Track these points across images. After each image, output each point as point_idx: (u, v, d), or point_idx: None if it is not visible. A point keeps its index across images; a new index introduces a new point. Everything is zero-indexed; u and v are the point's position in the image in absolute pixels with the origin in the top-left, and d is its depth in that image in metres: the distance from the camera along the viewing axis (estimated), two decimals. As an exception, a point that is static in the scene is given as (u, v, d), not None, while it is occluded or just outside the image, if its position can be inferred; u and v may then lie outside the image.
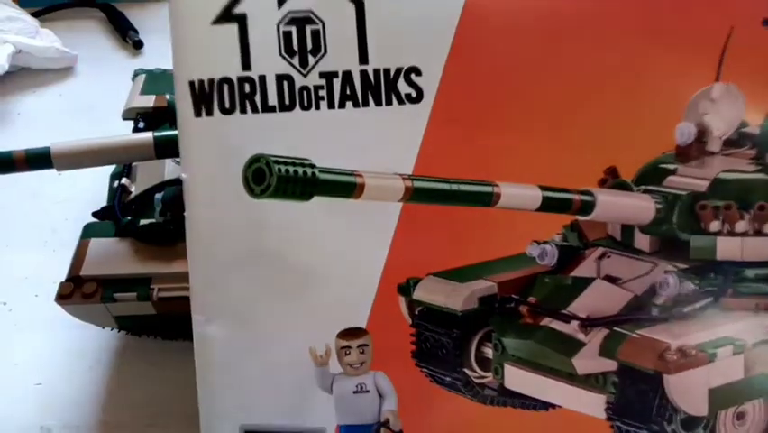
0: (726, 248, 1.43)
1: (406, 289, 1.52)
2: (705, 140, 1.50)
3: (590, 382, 1.40)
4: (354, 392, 1.47)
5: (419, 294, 1.52)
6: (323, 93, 1.39)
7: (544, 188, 1.43)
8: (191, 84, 1.37)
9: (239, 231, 1.48)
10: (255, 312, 1.50)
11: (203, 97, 1.37)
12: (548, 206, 1.43)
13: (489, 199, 1.41)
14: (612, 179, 1.49)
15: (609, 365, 1.38)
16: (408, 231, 1.49)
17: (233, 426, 1.52)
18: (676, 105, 1.46)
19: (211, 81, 1.36)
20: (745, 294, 1.41)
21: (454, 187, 1.42)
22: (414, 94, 1.44)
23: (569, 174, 1.46)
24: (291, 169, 1.33)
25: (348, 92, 1.38)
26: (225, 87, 1.35)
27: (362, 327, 1.49)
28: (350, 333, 1.48)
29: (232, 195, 1.42)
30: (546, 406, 1.48)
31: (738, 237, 1.43)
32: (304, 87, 1.38)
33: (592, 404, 1.41)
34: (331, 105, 1.39)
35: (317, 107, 1.39)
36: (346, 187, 1.37)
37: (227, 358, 1.50)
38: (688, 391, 1.32)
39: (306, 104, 1.38)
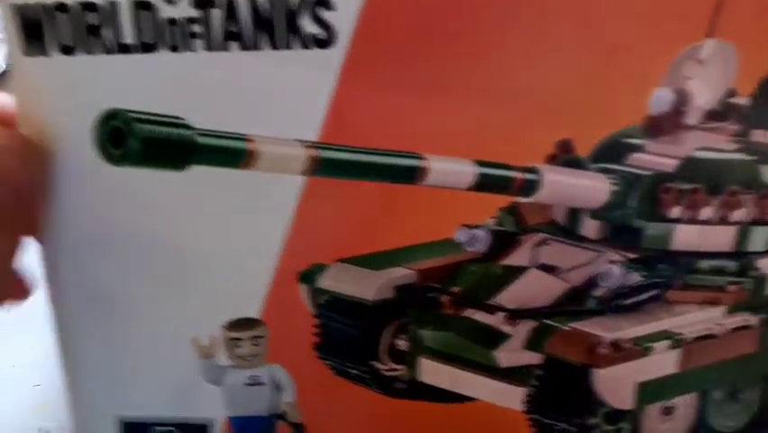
0: (684, 237, 0.77)
1: (309, 276, 0.81)
2: (683, 109, 0.78)
3: (512, 374, 0.79)
4: (247, 385, 0.82)
5: (325, 283, 0.81)
6: (198, 29, 0.54)
7: (480, 164, 0.73)
8: (16, 11, 0.48)
9: (96, 204, 0.72)
10: (125, 297, 0.78)
11: (33, 30, 0.47)
12: (484, 184, 0.73)
13: (414, 175, 0.71)
14: (563, 155, 0.77)
15: (534, 358, 0.78)
16: (312, 210, 0.74)
17: (110, 418, 0.84)
18: (654, 67, 0.72)
19: (43, 7, 0.47)
20: (695, 286, 0.78)
21: (371, 158, 0.69)
22: (323, 35, 0.67)
23: (513, 148, 0.73)
24: (159, 129, 0.61)
25: (233, 29, 0.51)
26: (62, 18, 0.47)
27: (256, 318, 0.80)
28: (240, 324, 0.80)
29: (84, 160, 0.67)
30: (460, 399, 0.84)
31: (699, 226, 0.77)
32: (171, 20, 0.51)
33: (511, 397, 0.79)
34: (209, 46, 0.58)
35: (191, 48, 0.54)
36: (233, 154, 0.65)
37: (94, 344, 0.80)
38: (616, 385, 0.75)
39: (174, 42, 0.52)
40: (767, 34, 0.70)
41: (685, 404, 0.81)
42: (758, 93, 0.78)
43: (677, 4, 0.69)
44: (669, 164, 0.77)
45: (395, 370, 0.85)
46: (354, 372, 0.85)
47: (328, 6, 0.67)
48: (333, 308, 0.83)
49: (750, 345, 0.78)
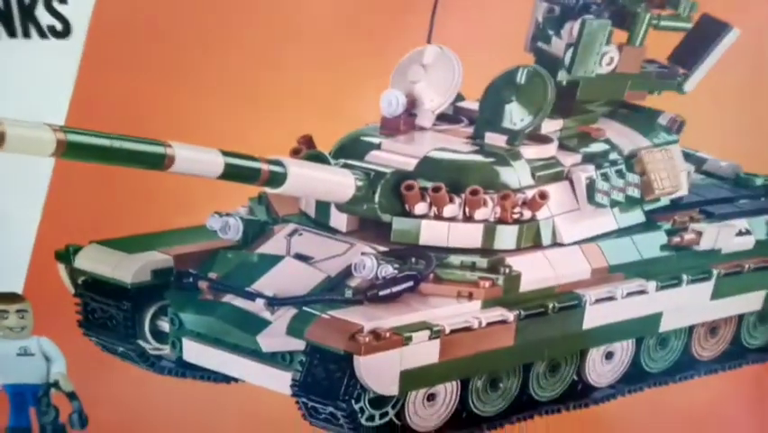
0: (432, 233, 0.83)
1: (65, 256, 0.85)
2: (415, 112, 0.84)
3: (276, 359, 0.82)
4: (18, 355, 0.85)
5: (81, 263, 0.84)
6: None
7: (226, 154, 0.76)
8: None
9: None
10: None
11: None
12: (232, 174, 0.76)
13: (160, 161, 0.73)
14: (307, 150, 0.83)
15: (297, 344, 0.80)
16: (65, 191, 0.79)
17: None
18: (384, 68, 0.79)
19: None
20: (448, 280, 0.82)
21: (116, 143, 0.72)
22: (59, 26, 0.71)
23: (259, 140, 0.79)
24: None
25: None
26: None
27: (19, 293, 0.83)
28: (5, 297, 0.84)
29: None
30: (228, 379, 0.88)
31: (446, 222, 0.83)
32: None
33: (278, 381, 0.82)
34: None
35: None
36: None
37: None
38: (379, 372, 0.78)
39: None
40: (493, 41, 0.77)
41: (447, 391, 0.84)
42: (484, 98, 0.85)
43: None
44: (409, 162, 0.82)
45: (160, 349, 0.88)
46: (121, 349, 0.88)
47: (62, 0, 0.70)
48: (93, 289, 0.85)
49: (507, 339, 0.82)
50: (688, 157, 0.95)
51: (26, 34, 0.67)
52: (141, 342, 0.87)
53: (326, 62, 0.72)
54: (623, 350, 0.92)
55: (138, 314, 0.87)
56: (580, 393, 0.92)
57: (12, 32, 0.67)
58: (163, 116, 0.73)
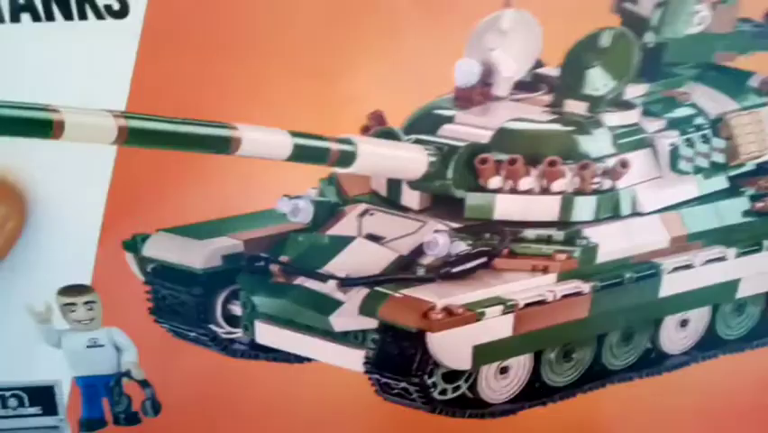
0: (507, 208, 0.79)
1: (132, 245, 0.83)
2: (491, 81, 0.80)
3: (349, 338, 0.81)
4: (88, 347, 0.86)
5: (150, 251, 0.83)
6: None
7: (294, 135, 0.73)
8: None
9: None
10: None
11: None
12: (300, 155, 0.74)
13: (226, 145, 0.71)
14: (377, 127, 0.79)
15: (369, 323, 0.78)
16: (128, 179, 0.75)
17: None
18: (454, 37, 0.74)
19: None
20: (523, 255, 0.79)
21: (182, 128, 0.69)
22: (116, 6, 0.67)
23: (327, 119, 0.75)
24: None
25: (22, 1, 0.52)
26: None
27: (86, 284, 0.82)
28: (72, 289, 0.83)
29: None
30: (301, 360, 0.87)
31: (521, 196, 0.79)
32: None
33: (350, 359, 0.81)
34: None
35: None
36: (39, 125, 0.64)
37: None
38: (451, 347, 0.77)
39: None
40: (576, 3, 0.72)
41: (519, 364, 0.82)
42: (565, 64, 0.80)
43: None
44: (482, 135, 0.78)
45: (232, 333, 0.87)
46: (193, 334, 0.86)
47: (119, -22, 0.67)
48: (163, 276, 0.84)
49: (581, 311, 0.80)
50: None
51: (82, 16, 0.64)
52: (213, 327, 0.86)
53: (397, 34, 0.68)
54: (699, 317, 0.88)
55: (209, 299, 0.85)
56: (653, 361, 0.90)
57: (68, 15, 0.65)
58: (225, 98, 0.70)
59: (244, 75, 0.71)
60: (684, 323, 0.89)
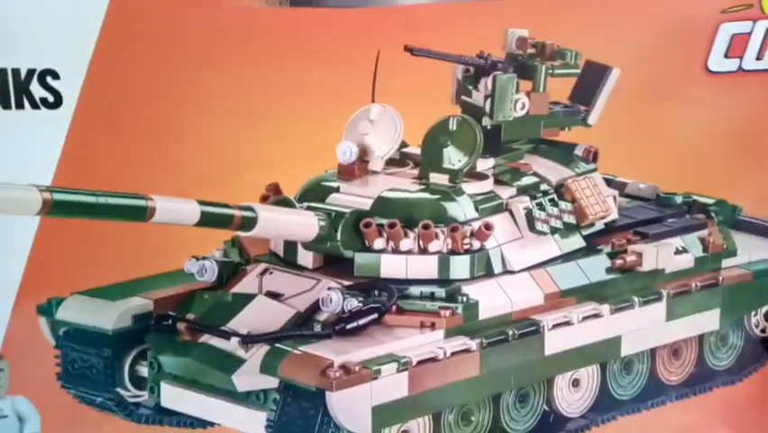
0: (391, 266, 0.92)
1: (47, 309, 0.90)
2: (367, 159, 0.97)
3: (251, 399, 0.87)
4: None
5: (64, 314, 0.90)
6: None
7: (202, 203, 0.84)
8: None
9: None
10: None
11: None
12: (208, 221, 0.85)
13: (142, 214, 0.81)
14: (274, 196, 0.94)
15: (271, 382, 0.85)
16: (48, 247, 0.85)
17: None
18: (338, 123, 0.93)
19: None
20: (410, 311, 0.89)
21: (101, 200, 0.79)
22: (51, 99, 0.79)
23: (230, 190, 0.89)
24: None
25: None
26: None
27: None
28: None
29: None
30: (204, 424, 0.92)
31: (403, 255, 0.92)
32: None
33: (252, 422, 0.85)
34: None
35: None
36: None
37: None
38: (351, 408, 0.82)
39: None
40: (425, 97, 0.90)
41: (420, 428, 0.87)
42: (425, 144, 0.96)
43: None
44: (364, 203, 0.92)
45: (138, 396, 0.92)
46: (99, 399, 0.92)
47: (55, 76, 0.79)
48: (74, 339, 0.90)
49: (472, 369, 0.86)
50: (609, 183, 1.06)
51: (19, 106, 0.75)
52: (120, 390, 0.91)
53: (290, 119, 0.84)
54: (589, 377, 0.97)
55: (118, 360, 0.91)
56: (552, 425, 0.97)
57: (6, 105, 0.75)
58: (143, 172, 0.81)
59: (158, 152, 0.83)
60: (576, 383, 0.98)
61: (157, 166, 0.82)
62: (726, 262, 1.04)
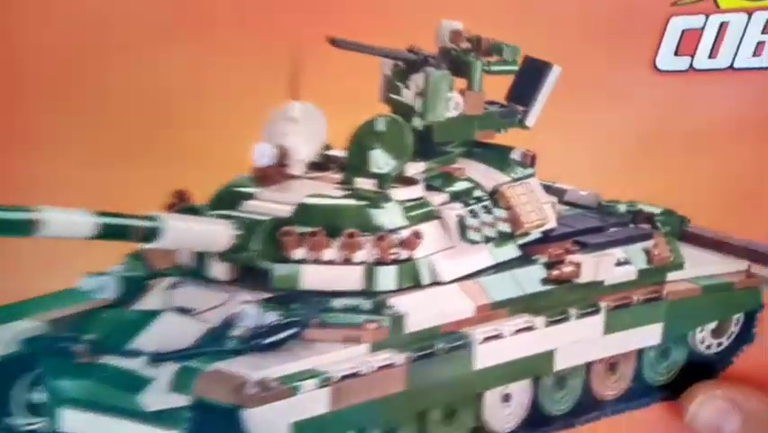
0: (313, 278, 0.86)
1: None
2: (286, 162, 0.89)
3: (161, 419, 0.79)
4: None
5: None
6: None
7: (99, 214, 0.77)
8: None
9: None
10: None
11: None
12: (106, 233, 0.77)
13: (27, 227, 0.73)
14: (181, 203, 0.87)
15: (182, 401, 0.78)
16: None
17: None
18: (252, 124, 0.85)
19: None
20: (333, 325, 0.84)
21: None
22: None
23: (133, 199, 0.81)
24: None
25: None
26: None
27: None
28: None
29: None
30: None
31: (325, 266, 0.86)
32: None
33: None
34: None
35: None
36: None
37: None
38: (268, 425, 0.77)
39: None
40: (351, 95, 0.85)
41: None
42: (350, 146, 0.90)
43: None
44: (284, 210, 0.85)
45: (34, 424, 0.84)
46: None
47: None
48: (-44, 370, 0.81)
49: (398, 384, 0.82)
50: (548, 189, 1.01)
51: None
52: (12, 420, 0.84)
53: (198, 119, 0.77)
54: (520, 392, 0.93)
55: (10, 389, 0.83)
56: None
57: None
58: (32, 184, 0.74)
59: (48, 164, 0.75)
60: (507, 398, 0.94)
61: (49, 177, 0.75)
62: (671, 276, 1.00)
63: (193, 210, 0.84)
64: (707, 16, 0.91)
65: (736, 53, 0.94)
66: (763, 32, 0.91)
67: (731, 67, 0.94)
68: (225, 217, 0.84)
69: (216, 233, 0.83)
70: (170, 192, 0.81)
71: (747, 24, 0.91)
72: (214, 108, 0.77)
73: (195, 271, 0.87)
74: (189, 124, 0.76)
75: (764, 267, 1.03)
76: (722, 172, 0.98)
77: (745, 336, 1.08)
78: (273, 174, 0.86)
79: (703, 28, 0.92)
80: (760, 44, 0.92)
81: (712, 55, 0.94)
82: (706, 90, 0.95)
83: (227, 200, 0.86)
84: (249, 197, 0.86)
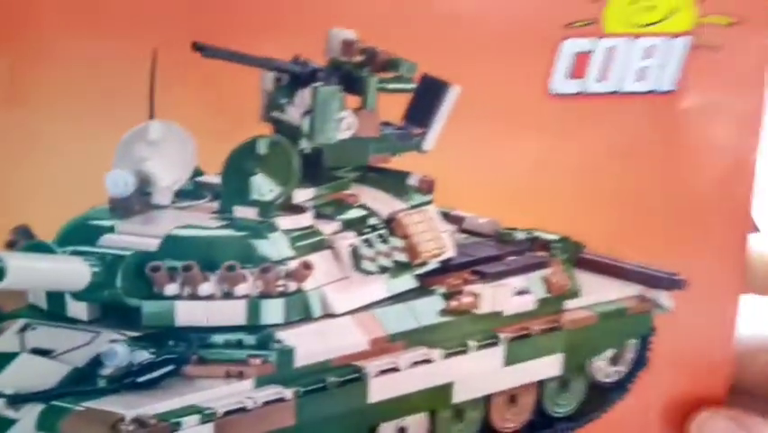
0: (189, 314, 0.80)
1: None
2: (149, 191, 0.81)
3: None
4: None
5: None
6: None
7: None
8: None
9: None
10: None
11: None
12: None
13: None
14: (25, 241, 0.78)
15: None
16: None
17: None
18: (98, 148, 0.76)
19: None
20: (214, 361, 0.79)
21: None
22: None
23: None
24: None
25: None
26: None
27: None
28: None
29: None
30: None
31: (203, 301, 0.79)
32: None
33: None
34: None
35: None
36: None
37: None
38: None
39: None
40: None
41: None
42: (226, 171, 0.82)
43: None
44: (149, 243, 0.78)
45: None
46: None
47: None
48: None
49: (287, 418, 0.79)
50: (445, 216, 0.96)
51: None
52: None
53: (39, 139, 0.66)
54: (417, 425, 0.90)
55: None
56: None
57: None
58: None
59: None
60: (403, 431, 0.90)
61: None
62: (568, 304, 0.97)
63: (40, 248, 0.74)
64: (598, 39, 0.88)
65: (623, 77, 0.91)
66: (645, 58, 0.89)
67: (618, 91, 0.91)
68: (80, 254, 0.76)
69: (72, 271, 0.75)
70: (11, 229, 0.72)
71: (632, 49, 0.89)
72: (53, 131, 0.66)
73: (49, 311, 0.79)
74: (32, 152, 0.65)
75: (656, 290, 1.00)
76: (614, 197, 0.96)
77: (640, 362, 1.05)
78: (134, 204, 0.77)
79: (592, 52, 0.89)
80: (643, 69, 0.90)
81: (601, 78, 0.91)
82: (596, 114, 0.92)
83: (81, 235, 0.78)
84: (108, 230, 0.79)
